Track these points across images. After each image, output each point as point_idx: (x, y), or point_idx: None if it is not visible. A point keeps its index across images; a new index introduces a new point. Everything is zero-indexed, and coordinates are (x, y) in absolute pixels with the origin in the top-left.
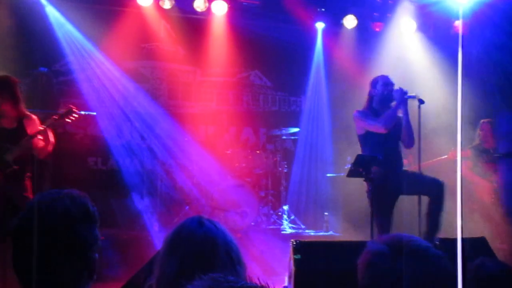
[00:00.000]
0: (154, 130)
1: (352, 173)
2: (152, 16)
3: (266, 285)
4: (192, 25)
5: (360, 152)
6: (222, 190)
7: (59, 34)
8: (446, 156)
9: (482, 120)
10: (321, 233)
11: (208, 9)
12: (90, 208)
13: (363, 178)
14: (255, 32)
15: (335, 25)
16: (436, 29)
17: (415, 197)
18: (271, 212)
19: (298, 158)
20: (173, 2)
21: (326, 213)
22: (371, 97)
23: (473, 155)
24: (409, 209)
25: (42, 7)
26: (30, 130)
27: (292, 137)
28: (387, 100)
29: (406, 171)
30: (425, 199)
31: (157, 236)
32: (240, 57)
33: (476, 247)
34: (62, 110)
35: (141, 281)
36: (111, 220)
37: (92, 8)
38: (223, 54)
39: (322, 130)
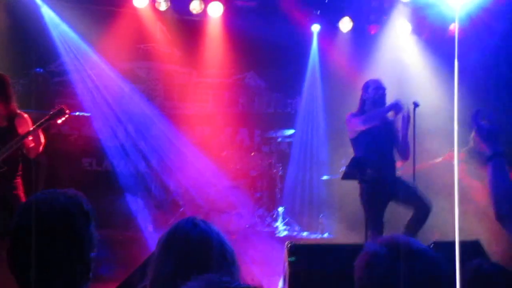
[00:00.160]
0: (149, 131)
1: (347, 176)
2: (148, 17)
3: (260, 286)
4: (188, 26)
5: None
6: (217, 191)
7: (55, 34)
8: (440, 159)
9: None
10: (316, 235)
11: (204, 11)
12: (86, 206)
13: (357, 181)
14: (251, 34)
15: (330, 28)
16: (431, 32)
17: None
18: (266, 214)
19: (293, 160)
20: (169, 3)
21: (321, 215)
22: (363, 101)
23: (468, 158)
24: (406, 209)
25: (37, 7)
26: (21, 130)
27: (288, 139)
28: (379, 104)
29: (402, 179)
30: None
31: (152, 237)
32: (236, 59)
33: (470, 250)
34: (53, 110)
35: (135, 282)
36: (106, 221)
37: (88, 8)
38: (219, 56)
39: (317, 132)
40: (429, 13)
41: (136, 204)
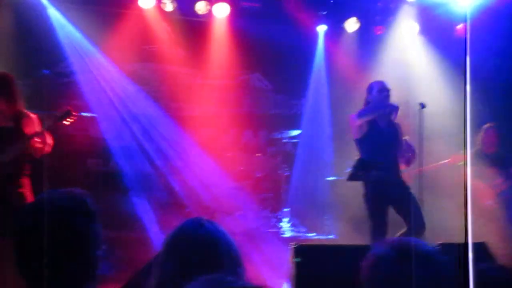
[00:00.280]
0: (154, 132)
1: (352, 177)
2: (154, 18)
3: (265, 286)
4: (193, 27)
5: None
6: (222, 193)
7: (61, 35)
8: (447, 161)
9: (486, 125)
10: (321, 237)
11: (210, 12)
12: (89, 204)
13: (362, 182)
14: (256, 35)
15: (336, 28)
16: (438, 32)
17: (416, 195)
18: (271, 215)
19: (299, 161)
20: (175, 4)
21: (326, 216)
22: (367, 103)
23: (475, 160)
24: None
25: (44, 8)
26: (28, 130)
27: (293, 140)
28: (382, 106)
29: (408, 188)
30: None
31: (157, 237)
32: (241, 60)
33: (476, 252)
34: (59, 112)
35: (140, 282)
36: (111, 222)
37: (94, 10)
38: (224, 57)
39: (323, 133)
40: (436, 13)
41: (141, 205)
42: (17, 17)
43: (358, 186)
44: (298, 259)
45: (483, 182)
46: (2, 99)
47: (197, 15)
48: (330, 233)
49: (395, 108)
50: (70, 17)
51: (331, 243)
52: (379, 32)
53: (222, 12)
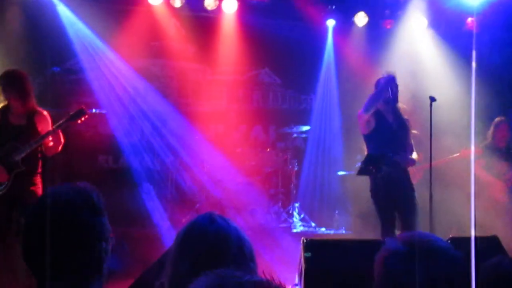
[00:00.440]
0: (164, 129)
1: (362, 171)
2: (162, 14)
3: (278, 281)
4: (202, 23)
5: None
6: (232, 188)
7: (71, 32)
8: (457, 155)
9: (498, 119)
10: (331, 231)
11: (219, 7)
12: (95, 198)
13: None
14: (265, 30)
15: (345, 23)
16: (448, 26)
17: (426, 194)
18: (281, 210)
19: (309, 156)
20: (183, 0)
21: (336, 211)
22: None
23: (486, 154)
24: (420, 201)
25: (53, 6)
26: (41, 128)
27: (303, 135)
28: (391, 101)
29: (413, 191)
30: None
31: (167, 233)
32: (250, 55)
33: (488, 245)
34: (73, 112)
35: (151, 278)
36: (122, 218)
37: (103, 6)
38: (233, 52)
39: (333, 128)
40: (446, 7)
41: (151, 201)
42: (26, 14)
43: (368, 181)
44: (309, 254)
45: (494, 176)
46: (15, 96)
47: (206, 11)
48: (340, 228)
49: (394, 86)
50: (79, 14)
51: (341, 237)
52: (388, 26)
53: (230, 7)
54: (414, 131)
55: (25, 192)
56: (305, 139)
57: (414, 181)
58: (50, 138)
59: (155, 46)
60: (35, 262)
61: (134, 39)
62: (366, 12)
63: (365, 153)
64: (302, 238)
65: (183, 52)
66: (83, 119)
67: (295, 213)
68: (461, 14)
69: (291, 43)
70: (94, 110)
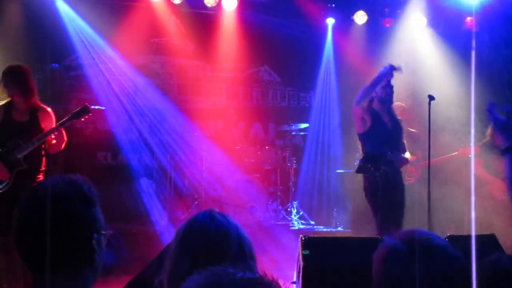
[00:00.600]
0: (163, 125)
1: (361, 169)
2: (162, 11)
3: (271, 276)
4: (202, 20)
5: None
6: (231, 185)
7: (70, 28)
8: (456, 153)
9: None
10: (330, 229)
11: (219, 4)
12: (86, 189)
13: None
14: (265, 28)
15: (345, 21)
16: (447, 25)
17: (425, 192)
18: (280, 207)
19: (308, 153)
20: None
21: (335, 209)
22: (371, 99)
23: (484, 152)
24: (418, 202)
25: (52, 2)
26: (44, 124)
27: (302, 133)
28: (387, 102)
29: (404, 191)
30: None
31: (165, 230)
32: (250, 53)
33: (486, 244)
34: (77, 109)
35: (151, 274)
36: (120, 215)
37: (103, 2)
38: (233, 49)
39: (332, 126)
40: (445, 5)
41: (150, 198)
42: (26, 11)
43: None
44: (307, 251)
45: (493, 174)
46: (17, 91)
47: (205, 8)
48: (339, 225)
49: (389, 86)
50: (78, 10)
51: (340, 235)
52: (387, 25)
53: (230, 4)
54: (412, 130)
55: (26, 190)
56: (304, 137)
57: (413, 180)
58: (53, 136)
59: (154, 42)
60: (27, 254)
61: (134, 35)
62: (366, 11)
63: (361, 152)
64: (301, 235)
65: (182, 49)
66: (86, 117)
67: (293, 211)
68: (460, 13)
69: (290, 41)
70: (93, 107)
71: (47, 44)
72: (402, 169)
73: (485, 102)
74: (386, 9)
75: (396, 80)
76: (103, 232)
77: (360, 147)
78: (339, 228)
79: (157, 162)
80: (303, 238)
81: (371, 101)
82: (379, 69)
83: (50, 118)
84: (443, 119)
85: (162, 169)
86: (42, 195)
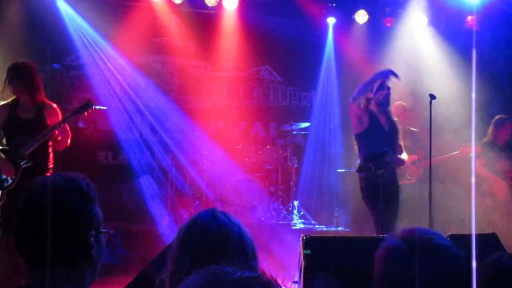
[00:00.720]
0: (164, 125)
1: (362, 168)
2: (163, 10)
3: (269, 275)
4: (203, 19)
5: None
6: (232, 185)
7: (70, 28)
8: (457, 152)
9: (499, 117)
10: (331, 229)
11: (219, 4)
12: (84, 186)
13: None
14: (266, 27)
15: (346, 20)
16: (448, 24)
17: (426, 191)
18: (281, 207)
19: (309, 153)
20: None
21: (336, 209)
22: (368, 100)
23: (485, 152)
24: (420, 198)
25: (53, 1)
26: (50, 121)
27: (303, 132)
28: (383, 104)
29: (398, 190)
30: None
31: (167, 230)
32: (251, 52)
33: (487, 243)
34: (80, 104)
35: (152, 273)
36: (121, 214)
37: (103, 2)
38: (234, 49)
39: (333, 125)
40: (446, 5)
41: (151, 198)
42: (26, 10)
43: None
44: (308, 251)
45: (495, 173)
46: (22, 88)
47: (206, 7)
48: (340, 225)
49: (386, 86)
50: (79, 9)
51: (341, 234)
52: (388, 24)
53: (231, 4)
54: (414, 129)
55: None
56: (305, 136)
57: (414, 179)
58: (57, 132)
59: (155, 42)
60: (25, 248)
61: (135, 35)
62: (367, 10)
63: (357, 153)
64: (302, 235)
65: (183, 48)
66: (90, 111)
67: (295, 210)
68: (461, 12)
69: (291, 40)
70: (94, 106)
71: (47, 44)
72: (403, 169)
73: (485, 101)
74: (387, 9)
75: (395, 82)
76: (102, 230)
77: (356, 147)
78: (340, 228)
79: (158, 162)
80: (304, 238)
81: (368, 103)
82: (380, 68)
83: (56, 114)
84: (444, 118)
85: (163, 169)
86: (40, 191)
